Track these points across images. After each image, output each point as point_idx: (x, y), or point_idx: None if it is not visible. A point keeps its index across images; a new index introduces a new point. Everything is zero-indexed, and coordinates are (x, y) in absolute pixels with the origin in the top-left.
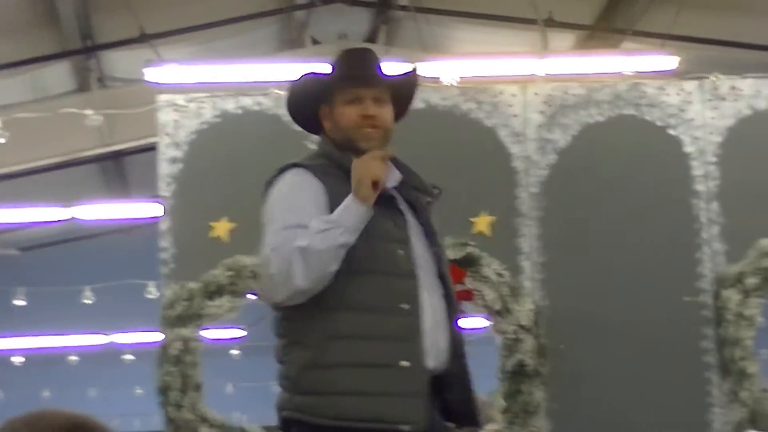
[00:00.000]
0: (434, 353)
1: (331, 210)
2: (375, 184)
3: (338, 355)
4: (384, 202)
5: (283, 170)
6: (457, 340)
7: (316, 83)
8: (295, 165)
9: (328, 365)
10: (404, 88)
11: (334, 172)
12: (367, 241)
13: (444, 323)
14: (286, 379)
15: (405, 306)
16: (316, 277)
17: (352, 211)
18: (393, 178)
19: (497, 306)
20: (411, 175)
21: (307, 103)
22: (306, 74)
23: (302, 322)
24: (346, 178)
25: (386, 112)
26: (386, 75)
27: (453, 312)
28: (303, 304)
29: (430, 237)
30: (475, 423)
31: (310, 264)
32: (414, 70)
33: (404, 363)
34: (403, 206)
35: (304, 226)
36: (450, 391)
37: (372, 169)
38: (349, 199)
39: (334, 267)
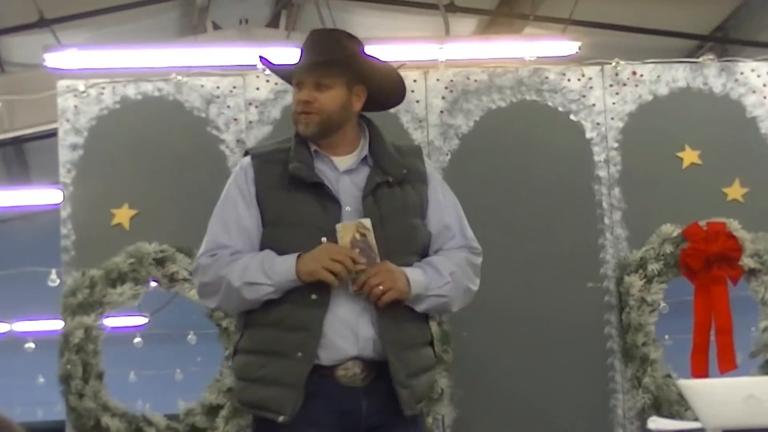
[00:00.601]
0: (351, 344)
1: (258, 195)
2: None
3: (249, 342)
4: (313, 189)
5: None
6: (393, 328)
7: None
8: (246, 152)
9: (243, 351)
10: (368, 74)
11: (283, 158)
12: (288, 228)
13: (374, 311)
14: None
15: (314, 297)
16: (235, 309)
17: (289, 279)
18: (352, 161)
19: None
20: (382, 155)
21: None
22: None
23: None
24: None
25: (325, 98)
26: (334, 58)
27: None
28: None
29: (379, 220)
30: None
31: (233, 302)
32: (377, 57)
33: (299, 354)
34: (347, 191)
35: (226, 247)
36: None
37: (328, 271)
38: (291, 266)
39: (253, 306)
